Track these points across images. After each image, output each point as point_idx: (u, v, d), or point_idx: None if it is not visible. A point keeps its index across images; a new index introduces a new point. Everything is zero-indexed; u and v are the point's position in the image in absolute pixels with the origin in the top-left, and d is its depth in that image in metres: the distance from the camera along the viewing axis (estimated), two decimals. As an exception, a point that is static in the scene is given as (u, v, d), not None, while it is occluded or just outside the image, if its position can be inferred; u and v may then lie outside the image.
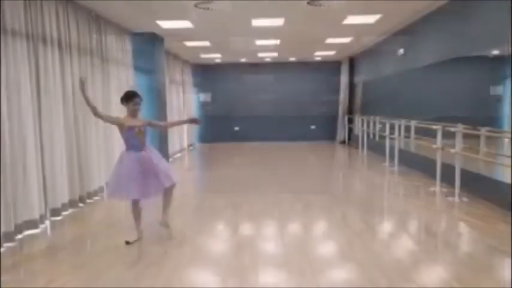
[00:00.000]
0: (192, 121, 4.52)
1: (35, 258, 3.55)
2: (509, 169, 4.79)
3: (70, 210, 5.10)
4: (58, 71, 4.93)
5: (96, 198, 5.77)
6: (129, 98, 3.81)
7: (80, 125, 5.43)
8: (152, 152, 3.89)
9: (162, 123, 4.13)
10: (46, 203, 4.64)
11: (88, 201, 5.56)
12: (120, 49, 7.04)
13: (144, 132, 3.83)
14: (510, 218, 4.38)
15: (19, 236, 4.04)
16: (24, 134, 4.20)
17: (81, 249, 3.78)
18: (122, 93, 7.23)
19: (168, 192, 3.97)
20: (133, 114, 3.80)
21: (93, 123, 5.81)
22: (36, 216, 4.31)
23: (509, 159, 5.57)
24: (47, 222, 4.58)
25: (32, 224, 4.26)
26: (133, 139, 3.76)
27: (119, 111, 6.76)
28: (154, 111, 7.96)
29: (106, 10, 6.14)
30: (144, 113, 7.75)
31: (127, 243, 3.76)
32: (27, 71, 4.30)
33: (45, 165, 4.67)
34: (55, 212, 4.79)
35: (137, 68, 7.72)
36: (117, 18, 6.65)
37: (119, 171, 3.78)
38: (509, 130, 6.00)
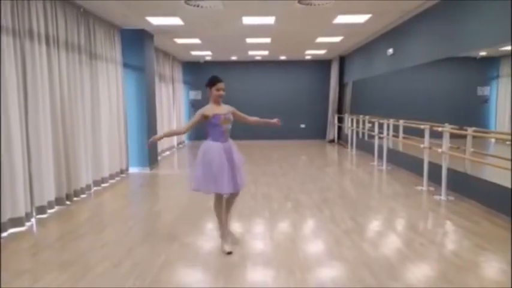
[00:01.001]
0: (276, 123, 3.98)
1: (21, 256, 3.50)
2: (494, 168, 4.87)
3: (56, 208, 5.04)
4: (45, 67, 4.86)
5: (83, 196, 5.72)
6: (211, 82, 3.56)
7: (67, 123, 5.36)
8: (233, 147, 3.63)
9: (249, 117, 3.87)
10: (32, 201, 4.58)
11: (75, 199, 5.51)
12: (109, 46, 6.97)
13: (230, 120, 3.58)
14: (496, 217, 4.45)
15: (4, 234, 3.98)
16: (10, 131, 4.13)
17: (67, 247, 3.73)
18: (111, 90, 7.23)
19: (233, 198, 3.73)
20: (216, 101, 3.55)
21: (80, 121, 5.75)
22: (22, 214, 4.26)
23: (495, 158, 5.65)
24: (33, 220, 4.53)
25: (18, 222, 4.20)
26: (218, 128, 3.50)
27: (108, 108, 6.74)
28: (144, 108, 7.91)
29: (95, 6, 6.06)
30: (134, 110, 7.77)
31: (229, 253, 3.45)
32: (14, 68, 4.23)
33: (32, 163, 4.60)
34: (41, 209, 4.73)
35: (126, 65, 7.65)
36: (106, 14, 6.58)
37: (203, 162, 3.49)
38: (496, 130, 6.08)
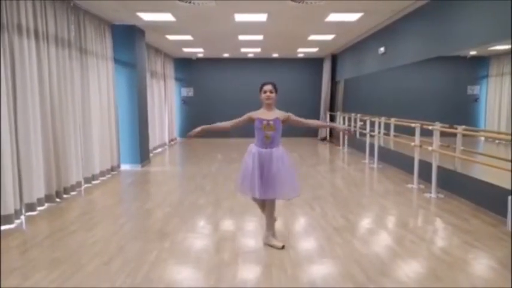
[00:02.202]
0: (347, 132, 3.77)
1: (10, 254, 3.46)
2: (483, 166, 4.93)
3: (46, 206, 4.99)
4: (35, 63, 4.79)
5: (73, 193, 5.66)
6: (260, 87, 3.55)
7: (57, 119, 5.30)
8: (277, 155, 3.45)
9: (308, 120, 3.78)
10: (21, 198, 4.53)
11: (65, 196, 5.45)
12: (100, 41, 6.90)
13: (274, 127, 3.45)
14: (485, 215, 4.51)
15: (-8, 232, 3.94)
16: (-2, 127, 4.08)
17: (57, 245, 3.70)
18: (101, 86, 7.16)
19: (271, 205, 3.58)
20: (265, 105, 3.51)
21: (70, 117, 5.68)
22: (11, 211, 4.21)
23: (485, 157, 5.73)
24: (22, 218, 4.48)
25: (7, 219, 4.16)
26: (259, 132, 3.46)
27: (99, 104, 6.68)
28: (135, 105, 7.85)
29: (85, 1, 5.99)
30: (125, 106, 7.71)
31: (283, 247, 3.46)
32: (2, 63, 4.16)
33: (21, 159, 4.54)
34: (30, 207, 4.68)
35: (117, 61, 7.59)
36: (96, 9, 6.50)
37: (243, 166, 3.53)
38: (485, 129, 6.16)
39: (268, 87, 3.50)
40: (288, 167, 3.52)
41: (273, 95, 3.51)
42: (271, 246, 3.53)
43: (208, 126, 3.57)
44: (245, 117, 3.54)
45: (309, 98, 13.76)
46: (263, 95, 3.51)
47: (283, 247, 3.48)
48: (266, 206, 3.61)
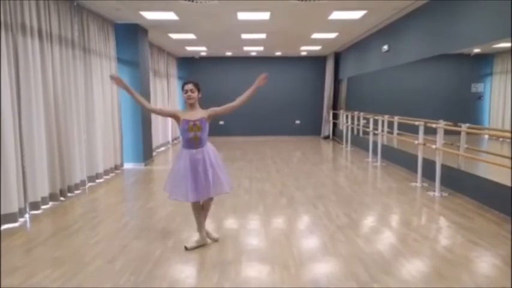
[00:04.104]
0: (260, 81, 3.46)
1: (14, 252, 3.48)
2: (487, 164, 4.90)
3: (50, 204, 5.02)
4: (38, 62, 4.81)
5: (77, 192, 5.69)
6: (182, 86, 3.47)
7: (61, 118, 5.32)
8: (208, 154, 3.45)
9: (232, 103, 3.51)
10: (25, 197, 4.56)
11: (69, 195, 5.48)
12: (103, 40, 6.91)
13: (200, 127, 3.39)
14: (489, 213, 4.49)
15: (-3, 230, 3.96)
16: (3, 126, 4.10)
17: (61, 243, 3.72)
18: (105, 85, 7.17)
19: (208, 203, 3.62)
20: (188, 105, 3.45)
21: (74, 116, 5.71)
22: (15, 209, 4.23)
23: (489, 155, 5.70)
24: (27, 216, 4.50)
25: (11, 217, 4.18)
26: (186, 134, 3.40)
27: (102, 103, 6.70)
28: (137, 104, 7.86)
29: (88, 0, 6.01)
30: (128, 105, 7.73)
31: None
32: (6, 62, 4.18)
33: (25, 158, 4.57)
34: (34, 205, 4.71)
35: (121, 60, 7.61)
36: (99, 9, 6.52)
37: (173, 169, 3.49)
38: (489, 127, 6.12)
39: (188, 87, 3.42)
40: (220, 163, 3.55)
41: (195, 94, 3.44)
42: (211, 239, 3.64)
43: (134, 92, 3.55)
44: (171, 111, 3.58)
45: (312, 96, 13.74)
46: (184, 95, 3.44)
47: (217, 239, 3.64)
48: (204, 205, 3.60)
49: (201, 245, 3.54)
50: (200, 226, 3.60)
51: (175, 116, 3.49)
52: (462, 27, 5.40)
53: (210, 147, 3.51)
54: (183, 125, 3.40)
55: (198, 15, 7.16)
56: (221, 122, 13.53)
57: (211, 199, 3.61)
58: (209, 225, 3.91)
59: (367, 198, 5.39)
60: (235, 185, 6.02)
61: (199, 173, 3.37)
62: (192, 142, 3.41)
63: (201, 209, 3.61)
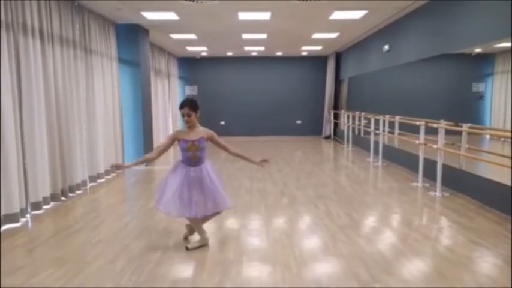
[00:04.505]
0: (262, 162, 3.69)
1: (15, 252, 3.49)
2: (488, 164, 4.90)
3: (52, 204, 5.02)
4: (40, 62, 4.82)
5: (78, 192, 5.70)
6: (180, 108, 3.41)
7: (62, 118, 5.33)
8: (206, 172, 3.45)
9: (230, 147, 3.59)
10: (27, 197, 4.56)
11: (70, 195, 5.49)
12: (104, 41, 6.92)
13: (199, 147, 3.39)
14: (490, 213, 4.48)
15: (-1, 230, 3.96)
16: (4, 126, 4.10)
17: (62, 243, 3.72)
18: (106, 86, 7.17)
19: (210, 217, 3.61)
20: (188, 127, 3.44)
21: (75, 116, 5.71)
22: (17, 210, 4.23)
23: (490, 155, 5.69)
24: (28, 216, 4.51)
25: (12, 218, 4.18)
26: (185, 153, 3.40)
27: (103, 103, 6.70)
28: (139, 103, 7.87)
29: (89, 1, 6.02)
30: (129, 105, 7.73)
31: (187, 249, 3.46)
32: (7, 62, 4.19)
33: (26, 158, 4.58)
34: (36, 205, 4.71)
35: (122, 60, 7.61)
36: (100, 9, 6.53)
37: (166, 181, 3.45)
38: (491, 126, 6.11)
39: (184, 111, 3.37)
40: (216, 181, 3.50)
41: (192, 117, 3.39)
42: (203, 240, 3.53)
43: (137, 160, 3.67)
44: (169, 140, 3.48)
45: (313, 96, 13.74)
46: (183, 119, 3.42)
47: (187, 248, 3.47)
48: (204, 217, 3.53)
49: (202, 245, 3.54)
50: (200, 231, 3.58)
51: (176, 140, 3.46)
52: (463, 27, 5.40)
53: (207, 165, 3.50)
54: (182, 144, 3.40)
55: (198, 15, 7.17)
56: (222, 122, 13.53)
57: (211, 215, 3.57)
58: (210, 225, 3.91)
59: (368, 198, 5.38)
60: (236, 185, 6.03)
61: (192, 190, 3.37)
62: (191, 161, 3.42)
63: (199, 221, 3.56)
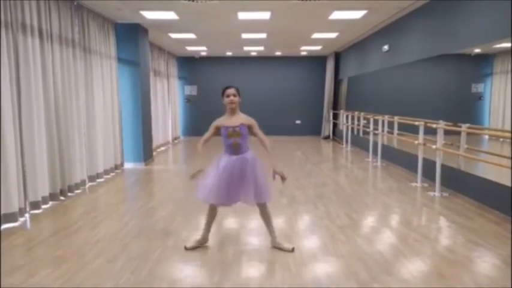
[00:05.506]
0: (279, 174, 3.47)
1: (14, 252, 3.48)
2: (487, 165, 4.90)
3: (51, 204, 5.02)
4: (39, 62, 4.81)
5: (77, 191, 5.69)
6: (223, 91, 3.34)
7: (61, 117, 5.32)
8: (250, 161, 3.34)
9: (267, 143, 3.43)
10: (26, 196, 4.56)
11: (69, 194, 5.48)
12: (104, 40, 6.91)
13: (240, 133, 3.29)
14: (489, 213, 4.49)
15: (-3, 230, 3.96)
16: (3, 125, 4.09)
17: (61, 242, 3.71)
18: (105, 85, 7.17)
19: (262, 211, 3.50)
20: (229, 111, 3.34)
21: (75, 116, 5.70)
22: (16, 209, 4.23)
23: (489, 155, 5.70)
24: (27, 216, 4.50)
25: (11, 217, 4.18)
26: (226, 140, 3.31)
27: (103, 103, 6.69)
28: (138, 103, 7.87)
29: (88, 0, 6.01)
30: (129, 105, 7.73)
31: (186, 248, 3.46)
32: (6, 61, 4.18)
33: (25, 158, 4.57)
34: (35, 205, 4.71)
35: (121, 60, 7.60)
36: (100, 8, 6.52)
37: (208, 170, 3.35)
38: (490, 127, 6.11)
39: (231, 91, 3.32)
40: (260, 171, 3.38)
41: (237, 98, 3.34)
42: (282, 249, 3.44)
43: (200, 148, 3.38)
44: (212, 129, 3.36)
45: (312, 96, 13.74)
46: (226, 99, 3.33)
47: (293, 249, 3.41)
48: (260, 212, 3.51)
49: (201, 245, 3.54)
50: (207, 228, 3.55)
51: (217, 129, 3.36)
52: (463, 27, 5.40)
53: (251, 155, 3.39)
54: (223, 131, 3.31)
55: (198, 15, 7.16)
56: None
57: (263, 206, 3.48)
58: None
59: (367, 198, 5.39)
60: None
61: (234, 180, 3.28)
62: (232, 148, 3.32)
63: (215, 215, 3.55)
